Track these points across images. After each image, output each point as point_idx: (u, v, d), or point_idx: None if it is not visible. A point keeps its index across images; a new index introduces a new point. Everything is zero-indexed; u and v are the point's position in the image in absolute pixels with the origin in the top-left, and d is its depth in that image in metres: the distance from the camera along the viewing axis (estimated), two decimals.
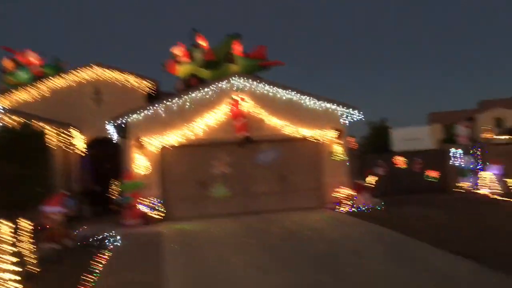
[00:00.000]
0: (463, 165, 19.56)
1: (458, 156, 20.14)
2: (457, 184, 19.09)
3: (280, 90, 15.22)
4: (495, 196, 16.42)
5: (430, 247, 9.05)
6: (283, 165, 15.35)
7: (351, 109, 15.50)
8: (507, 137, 31.22)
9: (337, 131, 15.32)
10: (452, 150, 20.40)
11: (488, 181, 17.57)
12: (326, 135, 15.37)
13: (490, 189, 17.27)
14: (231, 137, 14.60)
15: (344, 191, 14.97)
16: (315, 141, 15.34)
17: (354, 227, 12.00)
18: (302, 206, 15.10)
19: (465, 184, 19.02)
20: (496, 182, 16.86)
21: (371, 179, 19.47)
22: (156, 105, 14.66)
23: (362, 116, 15.73)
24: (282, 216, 13.86)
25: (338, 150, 15.40)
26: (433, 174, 20.13)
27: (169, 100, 14.72)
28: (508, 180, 15.50)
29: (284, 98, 15.23)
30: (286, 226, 12.27)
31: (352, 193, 14.98)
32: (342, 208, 14.71)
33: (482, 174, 18.18)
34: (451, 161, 20.25)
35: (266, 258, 9.01)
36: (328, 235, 11.00)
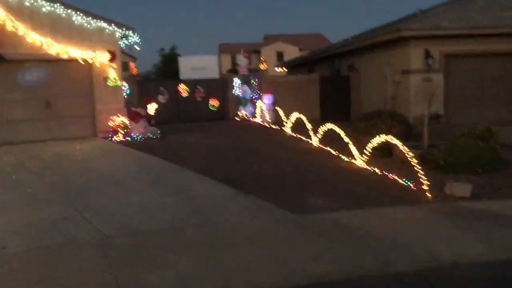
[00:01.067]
0: (241, 95, 20.23)
1: (237, 85, 20.75)
2: (238, 113, 19.70)
3: (41, 1, 13.05)
4: (265, 124, 17.41)
5: (195, 174, 8.89)
6: (48, 89, 13.56)
7: (125, 30, 14.26)
8: (282, 70, 34.00)
9: (110, 54, 13.99)
10: (235, 80, 20.90)
11: (260, 111, 18.50)
12: (99, 57, 13.96)
13: (262, 118, 18.24)
14: None
15: (118, 120, 13.98)
16: (86, 63, 13.80)
17: (122, 156, 11.28)
18: (72, 136, 13.74)
19: (244, 113, 19.75)
20: (267, 111, 17.80)
21: (151, 107, 18.94)
22: None
23: (138, 38, 14.68)
24: (44, 146, 12.37)
25: (113, 75, 14.18)
26: (214, 103, 20.43)
27: None
28: (278, 109, 16.47)
29: (46, 11, 13.14)
30: (44, 158, 10.87)
31: (127, 121, 14.10)
32: (115, 138, 13.78)
33: (257, 103, 19.07)
34: (233, 90, 20.76)
35: (10, 195, 7.72)
36: (90, 166, 10.04)
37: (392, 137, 8.82)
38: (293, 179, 8.71)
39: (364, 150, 9.68)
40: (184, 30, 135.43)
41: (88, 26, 13.74)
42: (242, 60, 21.80)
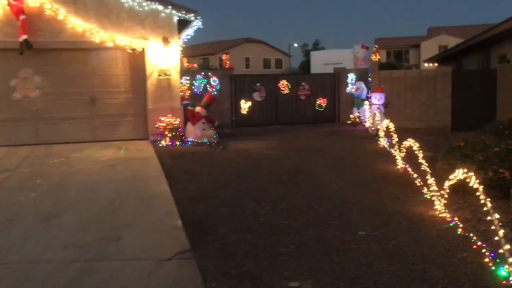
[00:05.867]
0: (356, 93, 16.46)
1: (352, 82, 17.00)
2: (351, 116, 16.06)
3: None
4: (371, 132, 13.48)
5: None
6: (92, 84, 11.75)
7: (185, 13, 11.73)
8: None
9: (165, 41, 11.62)
10: (349, 75, 17.21)
11: (368, 112, 14.54)
12: (152, 46, 11.70)
13: (370, 123, 14.27)
14: (14, 41, 10.70)
15: (167, 120, 11.57)
16: (136, 53, 11.66)
17: (121, 173, 8.66)
18: (119, 137, 11.84)
19: (356, 115, 16.00)
20: (375, 115, 13.78)
21: (244, 105, 16.33)
22: None
23: (201, 24, 12.03)
24: (74, 148, 10.58)
25: (167, 67, 11.80)
26: (321, 102, 17.05)
27: None
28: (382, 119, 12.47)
29: None
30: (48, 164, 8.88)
31: (177, 122, 11.63)
32: (163, 142, 11.42)
33: (366, 103, 15.14)
34: (346, 88, 17.12)
35: None
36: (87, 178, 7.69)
37: None
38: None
39: None
40: (332, 24, 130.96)
41: (140, 9, 11.54)
42: (359, 51, 17.87)
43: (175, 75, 11.92)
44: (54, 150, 10.51)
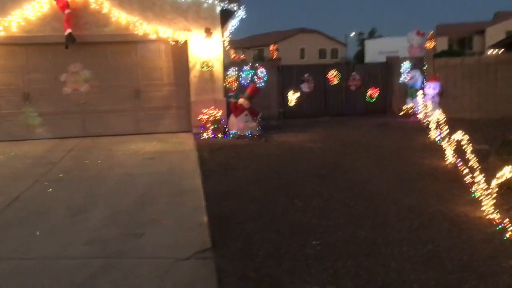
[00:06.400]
0: (410, 83, 15.68)
1: (404, 71, 16.20)
2: (404, 107, 15.35)
3: None
4: (424, 124, 12.76)
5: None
6: (136, 76, 11.82)
7: (228, 3, 11.50)
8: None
9: (207, 32, 11.47)
10: (403, 64, 16.42)
11: (421, 103, 13.78)
12: (194, 37, 11.59)
13: (423, 114, 13.52)
14: (61, 35, 10.91)
15: (209, 112, 11.45)
16: (179, 45, 11.59)
17: (155, 167, 8.61)
18: (162, 130, 11.86)
19: (409, 106, 15.26)
20: (428, 105, 13.02)
21: (292, 97, 15.97)
22: None
23: (244, 13, 11.78)
24: (118, 141, 10.69)
25: (210, 58, 11.67)
26: (372, 93, 16.38)
27: None
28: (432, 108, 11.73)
29: None
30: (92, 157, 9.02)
31: (219, 115, 11.48)
32: (205, 134, 11.33)
33: (420, 93, 14.36)
34: (400, 78, 16.36)
35: None
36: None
37: None
38: None
39: None
40: (391, 12, 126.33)
41: (183, 0, 11.44)
42: (414, 38, 16.93)
43: (217, 66, 11.77)
44: (99, 143, 10.67)
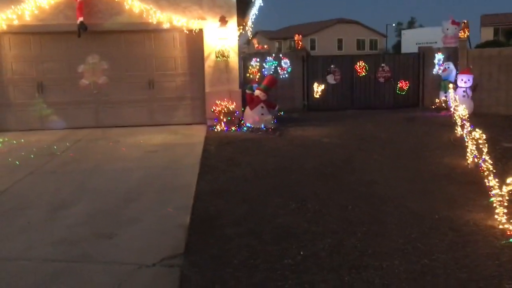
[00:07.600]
0: (443, 75, 14.78)
1: (438, 62, 15.29)
2: (436, 100, 14.52)
3: None
4: (455, 119, 11.91)
5: None
6: (150, 66, 11.55)
7: None
8: None
9: (222, 21, 11.04)
10: (437, 55, 15.51)
11: (452, 96, 12.88)
12: (209, 26, 11.19)
13: (456, 108, 12.63)
14: (73, 23, 10.73)
15: (223, 104, 11.05)
16: (193, 34, 11.21)
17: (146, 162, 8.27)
18: (176, 121, 11.59)
19: (442, 99, 14.40)
20: (461, 99, 12.15)
21: (318, 89, 15.38)
22: None
23: (262, 2, 11.29)
24: (129, 132, 10.48)
25: (225, 48, 11.24)
26: (402, 85, 15.59)
27: None
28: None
29: None
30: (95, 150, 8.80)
31: (232, 107, 11.06)
32: (218, 126, 10.95)
33: (451, 86, 13.44)
34: (433, 70, 15.47)
35: None
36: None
37: None
38: None
39: None
40: (430, 2, 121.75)
41: None
42: (449, 28, 15.95)
43: (233, 56, 11.33)
44: (109, 134, 10.47)
